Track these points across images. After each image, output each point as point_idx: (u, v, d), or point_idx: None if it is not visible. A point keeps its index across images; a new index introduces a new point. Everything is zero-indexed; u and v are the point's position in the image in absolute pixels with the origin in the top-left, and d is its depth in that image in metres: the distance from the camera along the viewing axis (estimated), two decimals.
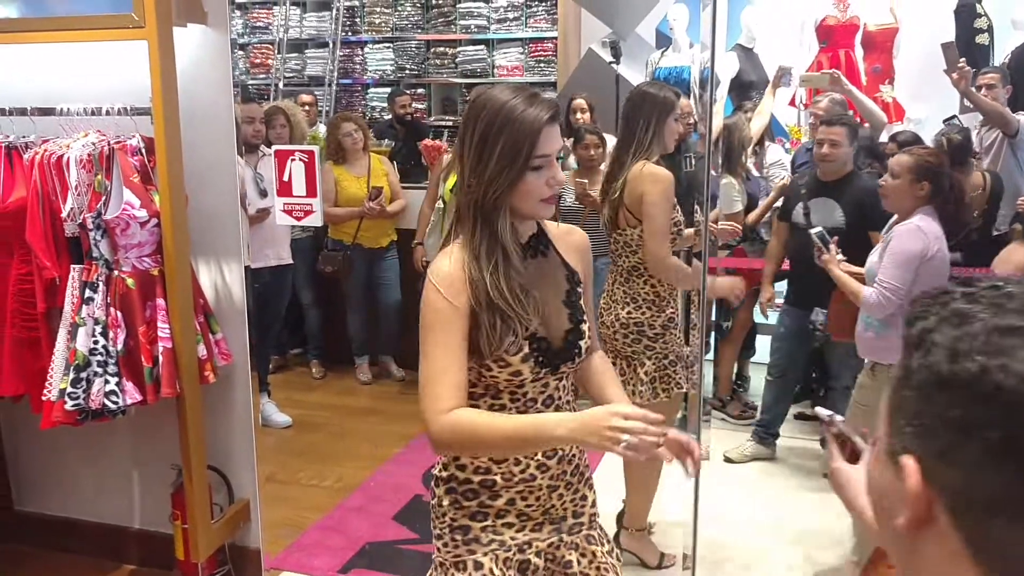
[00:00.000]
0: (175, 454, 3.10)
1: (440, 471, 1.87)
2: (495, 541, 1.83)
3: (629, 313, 3.27)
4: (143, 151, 2.92)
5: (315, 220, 3.17)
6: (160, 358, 2.90)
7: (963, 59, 4.75)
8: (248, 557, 3.39)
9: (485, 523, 1.83)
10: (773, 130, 6.27)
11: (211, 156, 3.10)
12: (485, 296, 1.66)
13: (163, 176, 2.85)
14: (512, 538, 1.85)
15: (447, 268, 1.69)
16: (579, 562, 1.90)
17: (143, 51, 2.78)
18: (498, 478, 1.80)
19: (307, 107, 6.55)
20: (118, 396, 2.87)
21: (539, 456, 1.80)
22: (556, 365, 1.78)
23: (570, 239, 1.87)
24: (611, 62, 6.25)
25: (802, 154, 5.54)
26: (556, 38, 7.35)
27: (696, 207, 3.36)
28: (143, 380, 2.90)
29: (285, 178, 3.12)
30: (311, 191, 3.10)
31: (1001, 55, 6.07)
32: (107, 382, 2.86)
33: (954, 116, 4.93)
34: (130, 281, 2.88)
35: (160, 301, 2.93)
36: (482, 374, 1.74)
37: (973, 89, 4.80)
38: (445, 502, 1.85)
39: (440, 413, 1.65)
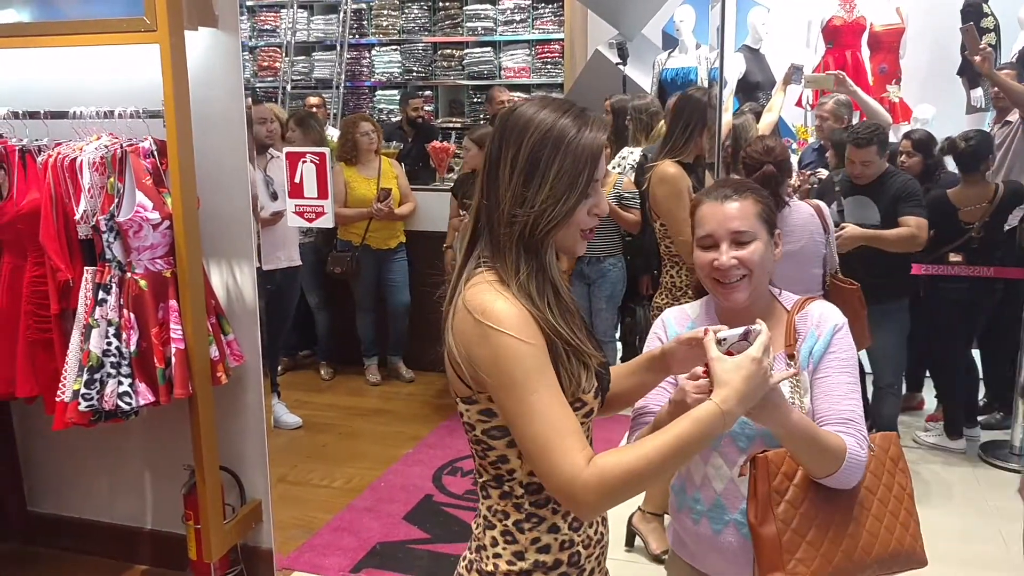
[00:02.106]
0: (187, 455, 3.12)
1: (510, 564, 1.53)
2: None
3: (655, 299, 3.56)
4: (155, 154, 2.93)
5: (326, 222, 3.19)
6: (173, 359, 2.92)
7: (984, 42, 4.74)
8: (260, 557, 3.41)
9: None
10: (780, 130, 6.28)
11: (223, 158, 3.12)
12: (555, 333, 1.44)
13: (175, 178, 2.87)
14: None
15: (511, 309, 1.40)
16: None
17: (155, 54, 2.81)
18: (580, 548, 1.55)
19: (315, 109, 6.59)
20: (131, 397, 2.88)
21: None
22: (605, 395, 1.58)
23: None
24: (618, 63, 6.27)
25: (808, 154, 5.55)
26: (563, 40, 7.39)
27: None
28: (156, 381, 2.91)
29: (296, 180, 3.14)
30: (322, 193, 3.12)
31: (1008, 54, 6.08)
32: (120, 383, 2.88)
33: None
34: (143, 283, 2.90)
35: (173, 303, 2.94)
36: None
37: (996, 71, 4.80)
38: None
39: (581, 471, 1.35)
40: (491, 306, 1.41)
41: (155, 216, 2.87)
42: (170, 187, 2.91)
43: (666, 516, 3.59)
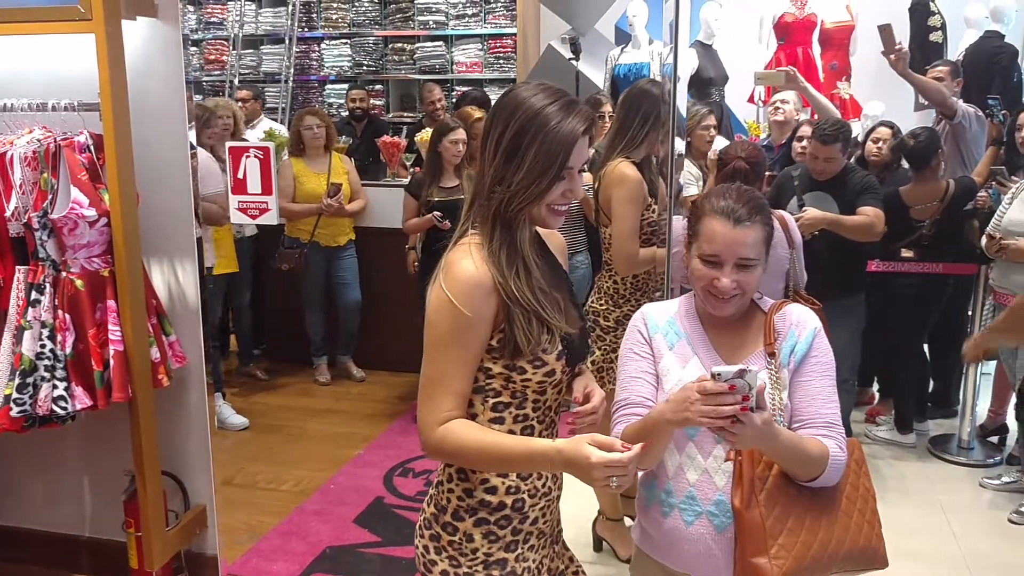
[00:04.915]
0: (128, 460, 3.02)
1: (460, 500, 1.71)
2: (525, 569, 1.74)
3: (591, 302, 3.39)
4: (92, 148, 2.83)
5: (271, 218, 3.10)
6: (111, 361, 2.81)
7: (900, 42, 4.80)
8: (205, 564, 3.31)
9: (517, 551, 1.72)
10: (732, 126, 6.30)
11: (163, 153, 3.03)
12: (512, 298, 1.59)
13: (112, 174, 2.77)
14: (534, 560, 1.77)
15: (468, 273, 1.58)
16: (567, 568, 1.90)
17: (90, 45, 2.70)
18: (526, 496, 1.71)
19: (243, 103, 6.38)
20: (67, 401, 2.78)
21: None
22: (576, 363, 1.74)
23: (553, 241, 1.82)
24: (571, 59, 6.23)
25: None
26: (515, 34, 7.32)
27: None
28: (93, 384, 2.81)
29: (240, 175, 3.04)
30: (267, 189, 3.03)
31: (954, 52, 6.15)
32: (55, 387, 2.77)
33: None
34: (79, 282, 2.79)
35: (111, 303, 2.84)
36: (511, 379, 1.64)
37: (911, 71, 4.88)
38: (476, 536, 1.70)
39: (434, 424, 1.61)
40: (455, 265, 1.60)
41: (91, 213, 2.77)
42: (107, 183, 2.80)
43: (627, 519, 3.57)
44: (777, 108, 5.31)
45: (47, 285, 2.79)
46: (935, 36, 6.30)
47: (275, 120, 7.15)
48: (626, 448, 1.49)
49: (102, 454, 3.28)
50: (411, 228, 4.92)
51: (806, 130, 4.58)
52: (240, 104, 6.28)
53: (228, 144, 3.28)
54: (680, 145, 2.99)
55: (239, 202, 3.07)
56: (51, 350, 2.77)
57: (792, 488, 1.77)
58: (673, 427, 1.65)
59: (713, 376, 1.53)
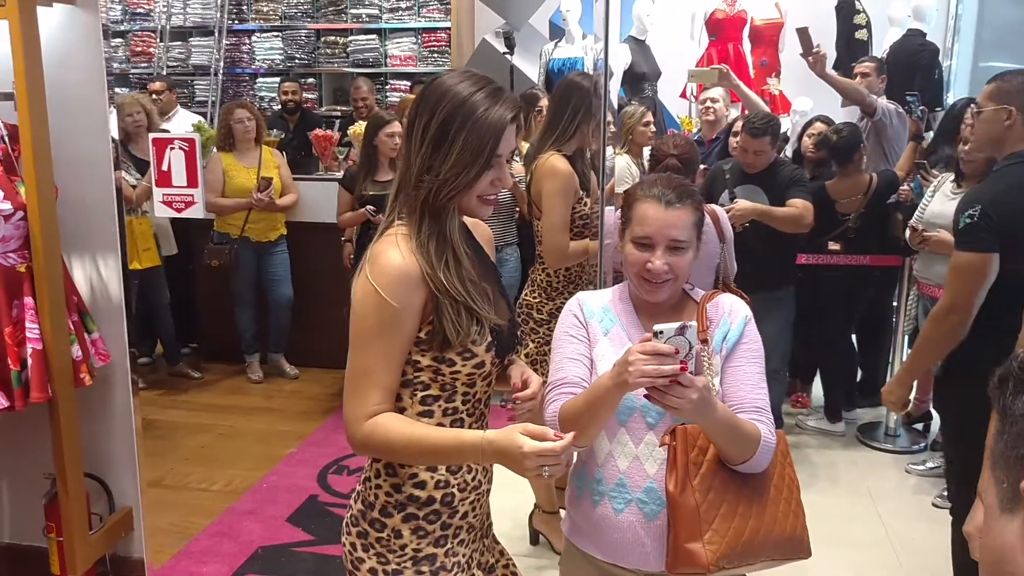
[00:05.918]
0: (49, 462, 2.92)
1: (388, 495, 1.68)
2: (455, 564, 1.72)
3: (525, 295, 3.40)
4: (6, 139, 2.74)
5: (196, 212, 3.02)
6: (29, 360, 2.72)
7: (818, 44, 4.90)
8: (131, 568, 3.22)
9: (447, 546, 1.70)
10: (665, 121, 6.35)
11: (83, 145, 2.93)
12: (441, 289, 1.57)
13: (29, 166, 2.67)
14: (463, 555, 1.74)
15: (395, 264, 1.56)
16: (498, 561, 1.89)
17: (4, 31, 2.60)
18: (455, 490, 1.69)
19: (157, 95, 6.22)
20: None
21: None
22: (505, 355, 1.72)
23: (479, 231, 1.79)
24: (505, 53, 6.22)
25: None
26: (449, 28, 7.28)
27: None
28: (10, 385, 2.71)
29: (164, 168, 2.96)
30: (192, 181, 2.95)
31: (879, 50, 6.29)
32: None
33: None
34: None
35: (28, 300, 2.74)
36: (439, 372, 1.62)
37: (831, 72, 4.98)
38: (405, 532, 1.67)
39: (361, 418, 1.58)
40: (381, 256, 1.57)
41: (7, 206, 2.67)
42: (23, 175, 2.70)
43: (562, 512, 3.57)
44: (708, 107, 5.40)
45: None
46: (860, 34, 6.43)
47: (203, 115, 7.01)
48: (559, 437, 1.48)
49: (21, 456, 3.16)
50: (345, 222, 4.87)
51: (741, 125, 4.65)
52: (154, 97, 6.11)
53: (151, 136, 3.19)
54: (609, 149, 2.98)
55: (163, 195, 2.99)
56: None
57: (725, 473, 1.78)
58: (613, 395, 1.63)
59: (655, 334, 1.54)
